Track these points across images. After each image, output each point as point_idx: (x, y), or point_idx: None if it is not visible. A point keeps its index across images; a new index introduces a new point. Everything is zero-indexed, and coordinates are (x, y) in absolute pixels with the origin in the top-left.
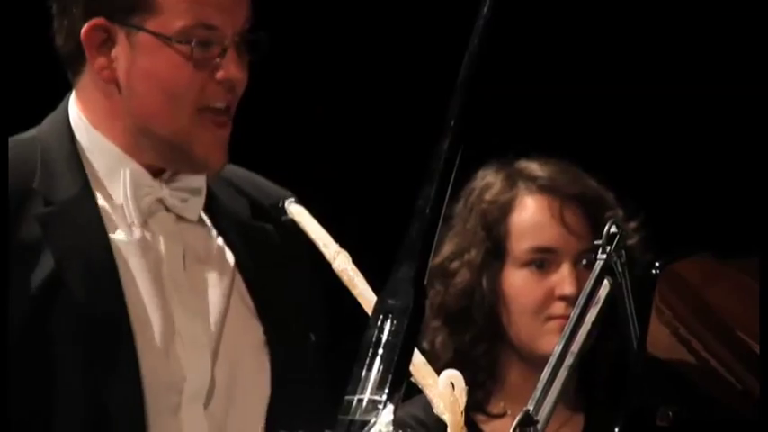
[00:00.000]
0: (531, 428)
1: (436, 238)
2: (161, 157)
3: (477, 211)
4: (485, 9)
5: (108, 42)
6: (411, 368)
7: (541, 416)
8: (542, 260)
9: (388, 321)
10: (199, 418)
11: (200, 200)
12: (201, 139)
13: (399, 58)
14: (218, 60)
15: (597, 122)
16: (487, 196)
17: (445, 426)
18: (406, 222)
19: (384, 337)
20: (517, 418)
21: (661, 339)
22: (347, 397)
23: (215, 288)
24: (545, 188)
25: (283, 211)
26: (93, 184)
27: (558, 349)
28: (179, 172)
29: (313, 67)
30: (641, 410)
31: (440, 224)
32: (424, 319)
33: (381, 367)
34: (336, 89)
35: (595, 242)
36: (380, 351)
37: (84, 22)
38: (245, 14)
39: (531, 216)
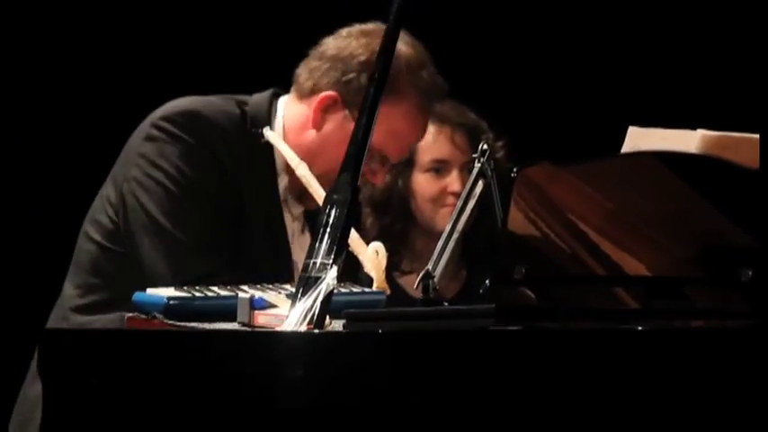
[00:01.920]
0: (430, 281)
1: (366, 154)
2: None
3: None
4: None
5: (331, 110)
6: (349, 241)
7: (437, 272)
8: (439, 168)
9: (334, 209)
10: None
11: None
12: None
13: None
14: (375, 167)
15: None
16: None
17: (372, 280)
18: None
19: (330, 220)
20: (421, 273)
21: (517, 221)
22: (305, 260)
23: None
24: (441, 119)
25: (261, 135)
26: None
27: (448, 227)
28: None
29: None
30: (504, 267)
31: (368, 145)
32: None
33: (329, 240)
34: None
35: (473, 155)
36: (328, 230)
37: (331, 88)
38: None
39: (431, 138)
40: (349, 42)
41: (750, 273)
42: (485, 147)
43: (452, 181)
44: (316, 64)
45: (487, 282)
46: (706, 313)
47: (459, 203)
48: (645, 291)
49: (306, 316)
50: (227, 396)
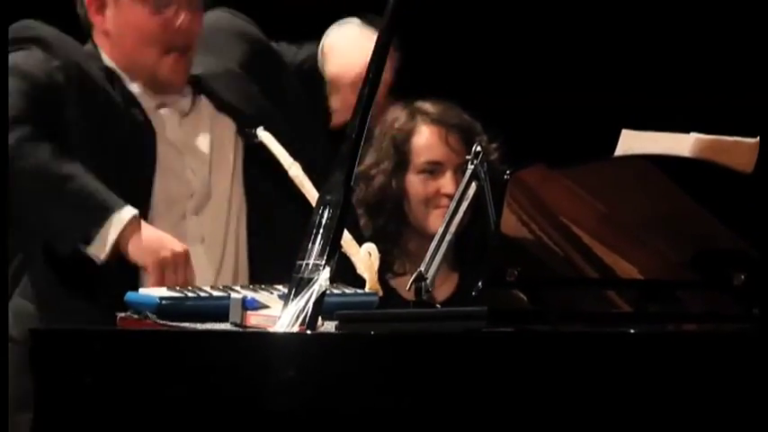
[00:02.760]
0: (423, 283)
1: (359, 154)
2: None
3: (389, 135)
4: None
5: (101, 5)
6: (342, 242)
7: (429, 274)
8: (432, 169)
9: (326, 210)
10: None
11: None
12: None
13: None
14: (178, 14)
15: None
16: (396, 125)
17: (365, 281)
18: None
19: (323, 221)
20: (413, 275)
21: (510, 223)
22: (298, 262)
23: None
24: (435, 120)
25: (255, 135)
26: None
27: (440, 229)
28: None
29: None
30: (496, 270)
31: (362, 145)
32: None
33: (321, 241)
34: None
35: (467, 157)
36: (321, 231)
37: None
38: None
39: (425, 139)
40: None
41: (743, 277)
42: (478, 148)
43: (446, 183)
44: None
45: (480, 284)
46: (698, 317)
47: (452, 205)
48: (637, 294)
49: (298, 317)
50: (220, 396)
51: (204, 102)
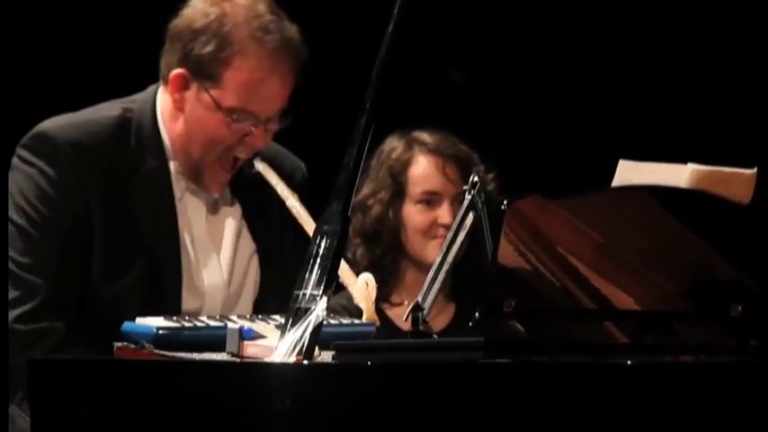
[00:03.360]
0: (420, 313)
1: (357, 184)
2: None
3: (386, 165)
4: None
5: (184, 87)
6: (339, 272)
7: (426, 304)
8: (430, 199)
9: (324, 240)
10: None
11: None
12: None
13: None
14: (249, 129)
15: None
16: (393, 155)
17: (362, 311)
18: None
19: (321, 251)
20: (410, 306)
21: (507, 253)
22: (295, 291)
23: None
24: (432, 150)
25: (252, 166)
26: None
27: (438, 259)
28: None
29: None
30: (493, 300)
31: (359, 175)
32: (348, 239)
33: (318, 271)
34: None
35: (464, 187)
36: (318, 261)
37: (178, 66)
38: (280, 106)
39: (422, 169)
40: (185, 13)
41: (740, 308)
42: (475, 179)
43: (443, 213)
44: (166, 47)
45: (477, 314)
46: (696, 348)
47: (450, 235)
48: (635, 325)
49: (295, 347)
50: (217, 427)
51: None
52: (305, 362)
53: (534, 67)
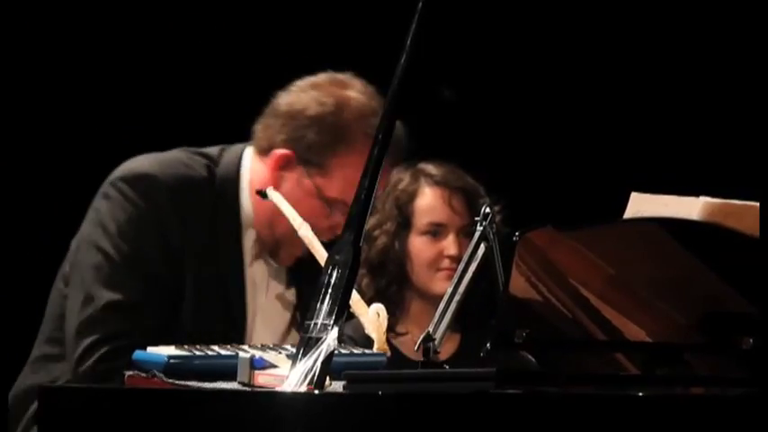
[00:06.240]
0: (431, 344)
1: (368, 216)
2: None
3: (392, 196)
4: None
5: (286, 167)
6: (350, 302)
7: (438, 335)
8: (436, 231)
9: (335, 270)
10: None
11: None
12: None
13: None
14: (340, 219)
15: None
16: (400, 186)
17: (369, 341)
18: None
19: (332, 281)
20: (421, 336)
21: (519, 285)
22: (306, 321)
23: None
24: (438, 182)
25: (265, 195)
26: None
27: (449, 290)
28: None
29: None
30: (505, 331)
31: (371, 207)
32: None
33: (330, 301)
34: None
35: (475, 218)
36: (330, 290)
37: (284, 145)
38: None
39: (428, 201)
40: (299, 97)
41: (751, 340)
42: (487, 210)
43: (449, 245)
44: (269, 121)
45: (488, 345)
46: (706, 380)
47: (461, 266)
48: (645, 356)
49: (306, 376)
50: None
51: None
52: (316, 391)
53: (547, 98)
